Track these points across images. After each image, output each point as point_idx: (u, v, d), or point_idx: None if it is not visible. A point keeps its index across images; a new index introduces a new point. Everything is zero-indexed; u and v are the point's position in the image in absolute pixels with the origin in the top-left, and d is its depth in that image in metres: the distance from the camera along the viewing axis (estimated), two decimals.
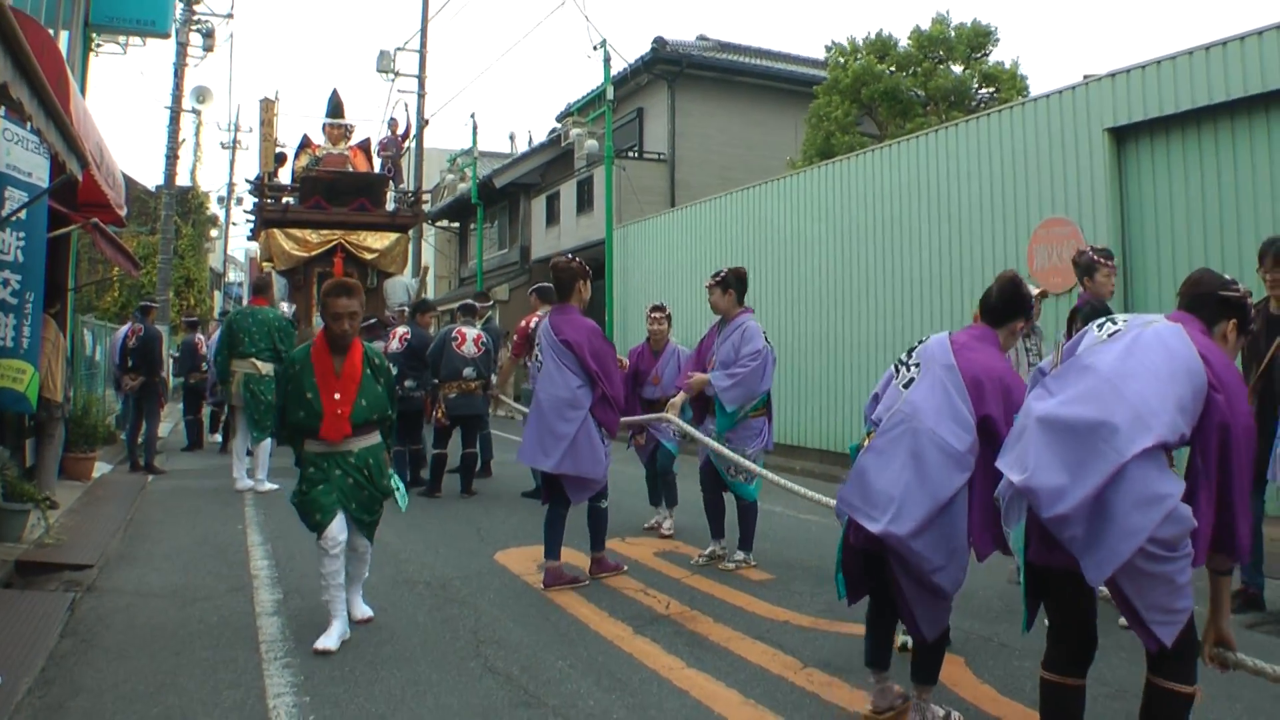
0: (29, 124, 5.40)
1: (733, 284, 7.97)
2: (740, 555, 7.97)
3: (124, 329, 15.42)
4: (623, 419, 8.02)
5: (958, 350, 4.38)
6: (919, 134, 14.13)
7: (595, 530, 7.61)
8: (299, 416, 5.70)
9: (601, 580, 7.46)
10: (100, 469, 13.21)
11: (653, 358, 9.70)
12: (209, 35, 25.71)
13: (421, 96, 31.34)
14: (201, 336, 17.56)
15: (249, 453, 12.31)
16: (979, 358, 4.33)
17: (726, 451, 7.63)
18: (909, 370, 4.47)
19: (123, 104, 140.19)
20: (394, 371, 12.23)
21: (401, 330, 12.33)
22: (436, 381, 11.61)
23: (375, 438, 6.00)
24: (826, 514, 10.28)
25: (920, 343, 4.61)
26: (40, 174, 7.86)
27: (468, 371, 11.39)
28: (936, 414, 4.22)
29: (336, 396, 5.66)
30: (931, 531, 4.11)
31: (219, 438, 17.79)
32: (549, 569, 7.35)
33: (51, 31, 10.99)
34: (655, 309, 9.95)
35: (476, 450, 11.96)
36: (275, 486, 11.84)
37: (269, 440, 12.00)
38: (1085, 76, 11.34)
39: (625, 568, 7.78)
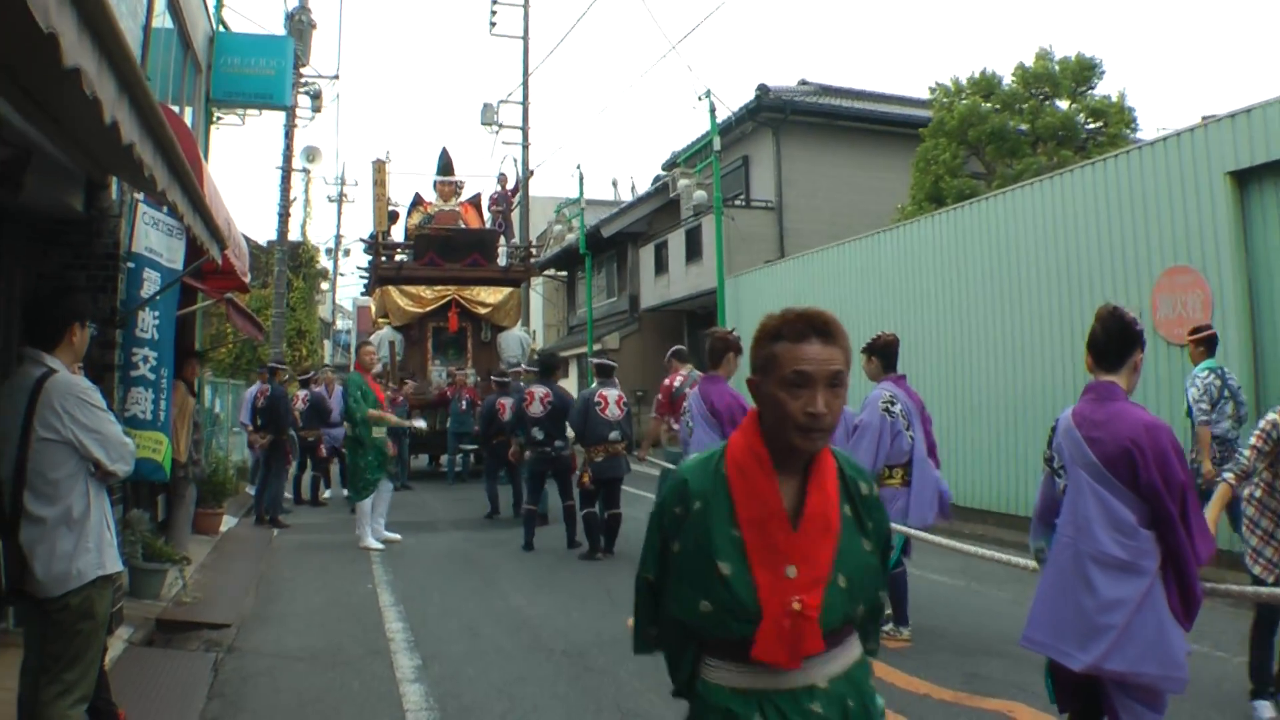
0: (165, 208, 5.54)
1: (875, 351, 8.01)
2: (887, 626, 7.78)
3: (253, 389, 15.78)
4: None
5: (1088, 433, 4.08)
6: (1033, 181, 13.82)
7: None
8: (696, 609, 2.52)
9: None
10: (227, 523, 13.53)
11: None
12: (316, 97, 26.23)
13: (525, 147, 31.63)
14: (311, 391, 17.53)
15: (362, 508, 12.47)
16: (1114, 427, 4.01)
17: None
18: (1060, 477, 4.25)
19: (233, 161, 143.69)
20: (539, 434, 12.33)
21: (541, 391, 12.24)
22: (580, 445, 11.62)
23: (855, 648, 2.65)
24: (956, 574, 10.18)
25: (1053, 430, 4.35)
26: (174, 255, 8.04)
27: (613, 435, 11.35)
28: (1092, 527, 4.01)
29: (791, 573, 2.47)
30: (1130, 645, 3.91)
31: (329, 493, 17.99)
32: None
33: (176, 109, 11.28)
34: None
35: (620, 511, 11.76)
36: (395, 536, 12.07)
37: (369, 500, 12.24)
38: (1204, 118, 10.97)
39: None
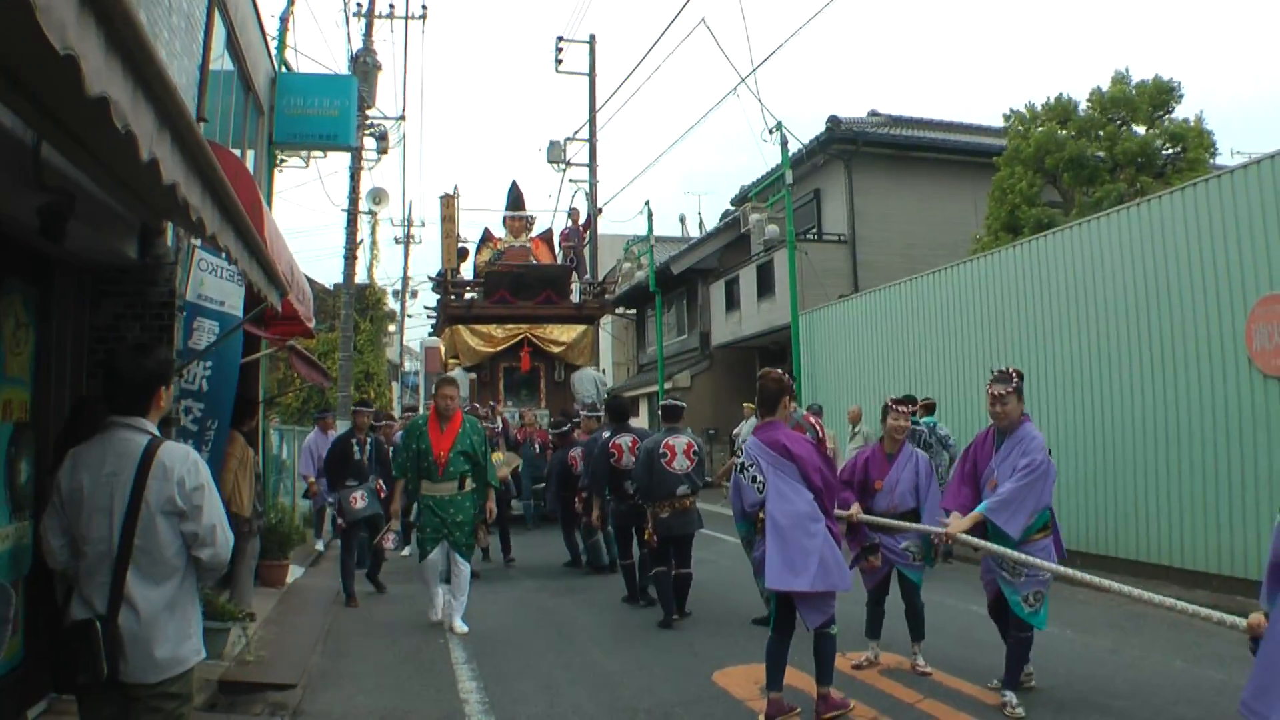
0: (224, 254, 5.22)
1: (1020, 390, 7.10)
2: (1010, 696, 6.93)
3: (311, 436, 15.52)
4: (863, 517, 7.93)
5: None
6: (1119, 209, 13.17)
7: (823, 661, 6.74)
8: None
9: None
10: (293, 573, 13.15)
11: (885, 462, 8.21)
12: (382, 138, 26.26)
13: (593, 185, 31.43)
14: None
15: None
16: None
17: (1019, 555, 6.66)
18: None
19: (298, 204, 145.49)
20: (633, 487, 11.24)
21: (628, 440, 11.34)
22: (644, 500, 10.43)
23: None
24: (1089, 631, 9.34)
25: None
26: (233, 301, 7.77)
27: (681, 489, 10.13)
28: None
29: None
30: None
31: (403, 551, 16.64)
32: (772, 700, 6.67)
33: (238, 152, 11.01)
34: (899, 403, 8.51)
35: (690, 571, 10.46)
36: (461, 628, 9.97)
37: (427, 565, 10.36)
38: None
39: (852, 704, 6.87)
